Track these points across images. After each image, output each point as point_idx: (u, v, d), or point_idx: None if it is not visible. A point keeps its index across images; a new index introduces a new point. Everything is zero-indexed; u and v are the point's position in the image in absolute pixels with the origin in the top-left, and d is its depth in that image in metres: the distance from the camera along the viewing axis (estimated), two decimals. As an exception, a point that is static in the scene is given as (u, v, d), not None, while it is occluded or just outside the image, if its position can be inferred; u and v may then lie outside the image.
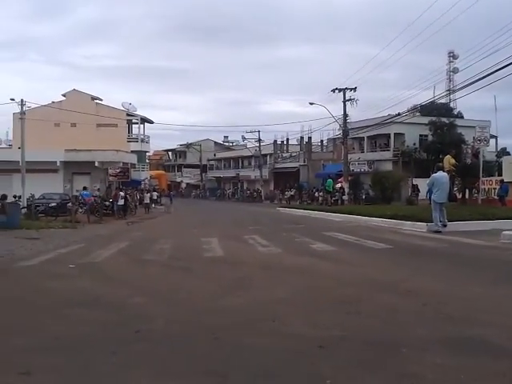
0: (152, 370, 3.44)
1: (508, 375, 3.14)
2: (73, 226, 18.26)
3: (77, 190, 29.98)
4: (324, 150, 56.33)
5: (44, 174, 31.90)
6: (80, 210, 24.55)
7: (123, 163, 37.26)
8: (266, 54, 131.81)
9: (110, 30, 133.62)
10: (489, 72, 17.25)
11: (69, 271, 8.05)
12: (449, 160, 16.72)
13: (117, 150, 35.48)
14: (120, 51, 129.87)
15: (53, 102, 40.78)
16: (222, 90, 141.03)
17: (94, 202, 26.19)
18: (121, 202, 25.32)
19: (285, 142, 60.95)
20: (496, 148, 46.77)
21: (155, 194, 32.02)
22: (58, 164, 33.43)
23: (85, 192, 25.99)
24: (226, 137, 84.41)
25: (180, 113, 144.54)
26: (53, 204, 24.63)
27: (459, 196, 18.50)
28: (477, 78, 18.46)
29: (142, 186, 42.12)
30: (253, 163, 64.17)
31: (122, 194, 26.22)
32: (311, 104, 37.77)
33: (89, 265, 8.63)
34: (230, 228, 16.60)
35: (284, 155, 59.50)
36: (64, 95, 42.26)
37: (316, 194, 41.23)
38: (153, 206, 31.98)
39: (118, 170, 36.97)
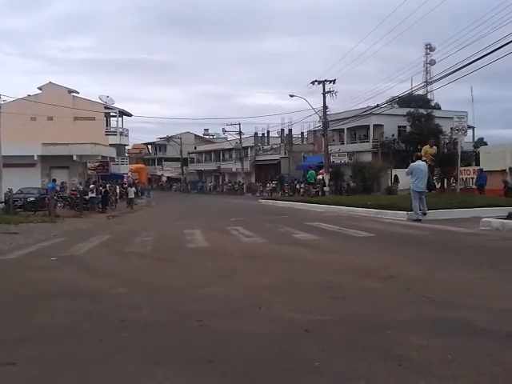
0: (139, 357, 3.41)
1: (491, 355, 3.20)
2: (52, 221, 17.99)
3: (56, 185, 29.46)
4: (304, 142, 56.51)
5: (21, 169, 31.27)
6: (59, 205, 24.20)
7: (102, 157, 36.75)
8: (247, 47, 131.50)
9: (87, 22, 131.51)
10: (464, 63, 17.48)
11: (50, 264, 7.94)
12: (426, 150, 16.89)
13: (95, 144, 34.94)
14: (98, 44, 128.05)
15: (28, 96, 39.93)
16: (201, 83, 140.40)
17: (74, 196, 25.83)
18: (91, 194, 24.93)
19: (265, 135, 60.93)
20: (473, 138, 47.61)
21: (133, 189, 31.23)
22: (36, 158, 32.81)
23: (50, 184, 25.01)
24: (206, 129, 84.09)
25: (159, 106, 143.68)
26: (31, 199, 24.23)
27: (438, 185, 18.76)
28: (453, 69, 18.71)
29: (125, 180, 41.14)
30: (234, 156, 64.02)
31: (92, 186, 25.81)
32: (291, 96, 37.73)
33: (71, 257, 8.52)
34: (212, 220, 16.55)
35: (265, 147, 59.50)
36: (40, 88, 41.40)
37: (297, 186, 41.39)
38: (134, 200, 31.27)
39: (96, 164, 36.48)
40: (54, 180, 26.36)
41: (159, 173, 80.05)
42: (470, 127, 36.61)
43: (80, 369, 3.28)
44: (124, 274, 6.84)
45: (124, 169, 46.19)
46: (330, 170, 35.34)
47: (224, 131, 61.06)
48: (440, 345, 3.42)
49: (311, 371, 3.07)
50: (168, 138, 75.87)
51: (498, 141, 50.08)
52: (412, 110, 42.39)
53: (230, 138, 63.53)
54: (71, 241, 11.42)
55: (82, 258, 8.43)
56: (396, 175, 31.94)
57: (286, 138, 55.44)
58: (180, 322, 4.27)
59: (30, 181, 29.13)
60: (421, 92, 45.94)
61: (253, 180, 57.63)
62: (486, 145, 39.19)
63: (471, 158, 34.19)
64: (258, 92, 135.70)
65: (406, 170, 13.93)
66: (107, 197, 26.46)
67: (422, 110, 42.53)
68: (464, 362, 3.10)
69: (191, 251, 8.84)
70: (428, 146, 17.35)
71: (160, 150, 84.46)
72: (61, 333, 4.05)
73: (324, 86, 34.34)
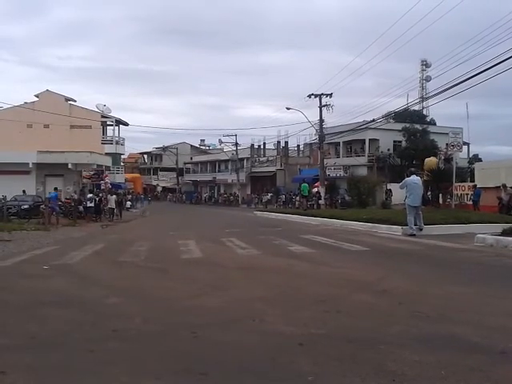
0: (131, 368, 3.38)
1: (485, 371, 3.19)
2: (46, 229, 17.89)
3: (49, 192, 29.24)
4: (300, 155, 56.62)
5: (16, 176, 31.13)
6: (53, 213, 24.03)
7: (97, 165, 36.58)
8: (245, 60, 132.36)
9: (86, 31, 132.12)
10: (460, 80, 17.63)
11: (43, 272, 7.88)
12: (435, 161, 16.98)
13: (90, 152, 34.85)
14: (96, 53, 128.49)
15: (25, 103, 39.86)
16: (199, 94, 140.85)
17: (68, 204, 25.66)
18: (90, 203, 24.80)
19: (262, 147, 61.08)
20: (468, 155, 47.88)
21: (114, 197, 28.79)
22: (31, 166, 32.66)
23: (53, 193, 24.92)
24: (202, 140, 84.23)
25: (156, 116, 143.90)
26: (25, 206, 24.12)
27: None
28: (448, 85, 18.86)
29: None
30: (230, 167, 64.04)
31: (90, 195, 25.68)
32: (288, 109, 37.81)
33: (63, 266, 8.46)
34: (207, 231, 16.50)
35: (261, 159, 59.60)
36: (37, 96, 41.33)
37: (293, 199, 41.38)
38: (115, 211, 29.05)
39: (92, 173, 36.25)
40: (56, 189, 26.23)
41: (154, 182, 79.87)
42: (465, 143, 36.85)
43: (70, 379, 3.24)
44: (117, 284, 6.80)
45: (119, 178, 46.03)
46: (326, 183, 35.39)
47: (220, 142, 61.16)
48: (433, 360, 3.41)
49: (304, 385, 3.04)
50: (164, 148, 75.91)
51: (492, 157, 50.64)
52: (407, 125, 42.73)
53: (226, 149, 63.63)
54: (64, 249, 11.34)
55: (74, 267, 8.37)
56: (390, 189, 32.07)
57: (282, 150, 55.53)
58: (173, 333, 4.24)
59: (25, 188, 28.95)
60: (416, 107, 46.48)
61: (248, 191, 57.62)
62: (481, 161, 39.38)
63: (466, 174, 34.36)
64: (254, 104, 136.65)
65: (400, 183, 13.99)
66: (100, 206, 26.33)
67: (417, 126, 42.88)
68: (457, 378, 3.08)
69: (185, 262, 8.80)
70: (434, 158, 17.45)
71: (156, 160, 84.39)
72: (52, 342, 4.01)
73: (320, 100, 34.49)
